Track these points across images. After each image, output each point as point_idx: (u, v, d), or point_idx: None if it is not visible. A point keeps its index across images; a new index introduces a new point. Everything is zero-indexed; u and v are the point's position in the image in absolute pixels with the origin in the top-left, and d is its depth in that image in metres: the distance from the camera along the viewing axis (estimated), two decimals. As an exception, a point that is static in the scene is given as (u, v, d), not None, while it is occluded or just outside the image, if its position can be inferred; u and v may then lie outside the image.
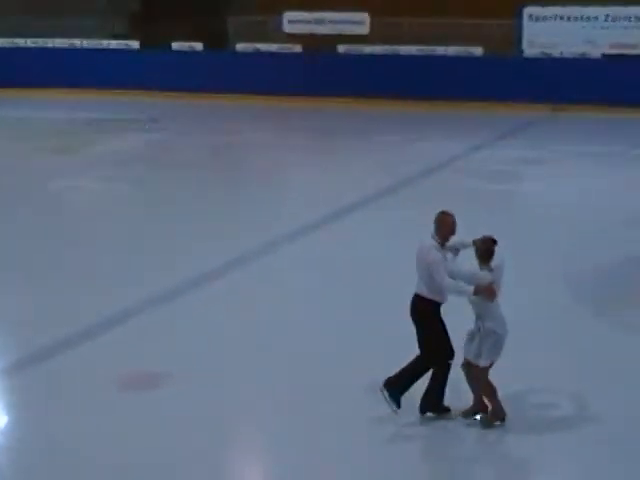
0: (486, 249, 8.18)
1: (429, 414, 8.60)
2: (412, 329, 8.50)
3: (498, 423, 8.42)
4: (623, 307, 11.68)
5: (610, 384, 9.28)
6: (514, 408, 8.61)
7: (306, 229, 15.45)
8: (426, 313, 8.44)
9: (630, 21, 29.48)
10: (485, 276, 8.13)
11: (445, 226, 8.39)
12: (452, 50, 31.62)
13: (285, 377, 9.58)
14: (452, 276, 8.23)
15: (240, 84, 32.03)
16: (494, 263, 8.20)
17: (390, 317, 9.96)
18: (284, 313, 11.38)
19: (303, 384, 9.37)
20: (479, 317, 8.25)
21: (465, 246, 8.49)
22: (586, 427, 8.48)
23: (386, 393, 8.56)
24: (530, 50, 30.77)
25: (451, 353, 8.46)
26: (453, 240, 8.45)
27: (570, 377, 9.44)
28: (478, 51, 31.43)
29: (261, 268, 13.38)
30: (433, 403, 8.57)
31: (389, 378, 8.60)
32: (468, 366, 8.41)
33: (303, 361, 9.89)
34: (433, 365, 8.51)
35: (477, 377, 8.38)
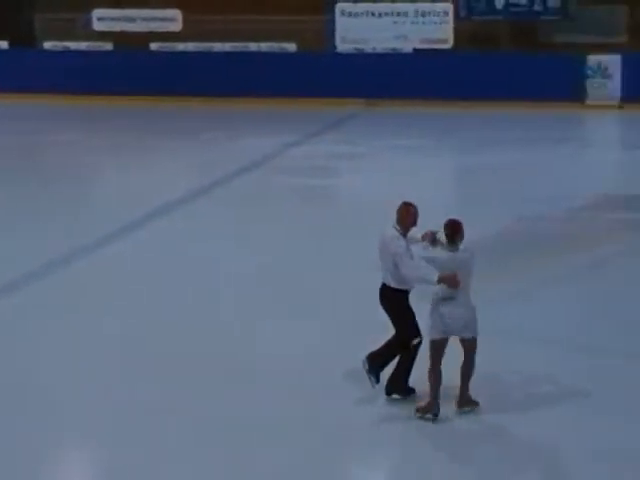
0: (454, 230, 8.16)
1: (395, 396, 8.69)
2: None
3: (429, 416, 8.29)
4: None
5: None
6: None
7: (122, 230, 14.87)
8: (394, 301, 8.56)
9: (439, 16, 30.09)
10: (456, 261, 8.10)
11: (407, 216, 8.48)
12: (265, 47, 31.50)
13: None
14: (429, 262, 8.27)
15: (48, 83, 30.88)
16: (462, 250, 8.19)
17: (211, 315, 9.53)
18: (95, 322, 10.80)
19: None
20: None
21: (415, 241, 8.52)
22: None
23: (367, 366, 8.67)
24: (343, 46, 30.98)
25: (418, 337, 8.51)
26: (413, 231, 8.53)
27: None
28: (292, 47, 31.42)
29: (71, 274, 12.77)
30: (399, 385, 8.69)
31: (371, 352, 8.69)
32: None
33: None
34: (403, 349, 8.60)
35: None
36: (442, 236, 8.33)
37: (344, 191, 19.04)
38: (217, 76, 30.19)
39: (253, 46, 31.51)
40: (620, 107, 28.32)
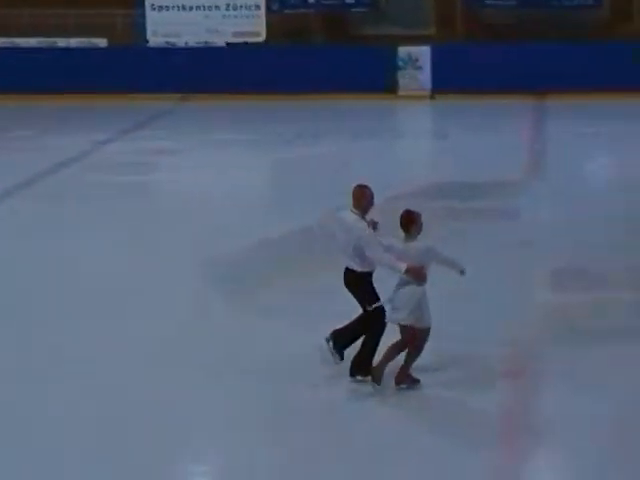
0: (408, 220, 8.27)
1: (359, 377, 8.73)
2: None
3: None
4: (257, 289, 11.57)
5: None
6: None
7: None
8: (359, 283, 8.62)
9: (251, 9, 29.99)
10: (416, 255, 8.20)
11: (364, 198, 8.52)
12: (75, 42, 30.60)
13: None
14: (386, 250, 8.37)
15: None
16: (424, 244, 8.33)
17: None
18: None
19: None
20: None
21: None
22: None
23: (331, 343, 8.75)
24: (154, 40, 30.45)
25: (383, 317, 8.56)
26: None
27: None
28: (102, 42, 30.65)
29: None
30: (362, 367, 8.70)
31: (336, 330, 8.77)
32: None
33: None
34: (367, 329, 8.68)
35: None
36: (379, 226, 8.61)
37: (160, 187, 18.76)
38: (24, 73, 29.09)
39: (62, 41, 30.53)
40: (432, 97, 28.94)
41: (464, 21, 30.88)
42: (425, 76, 29.07)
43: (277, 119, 25.68)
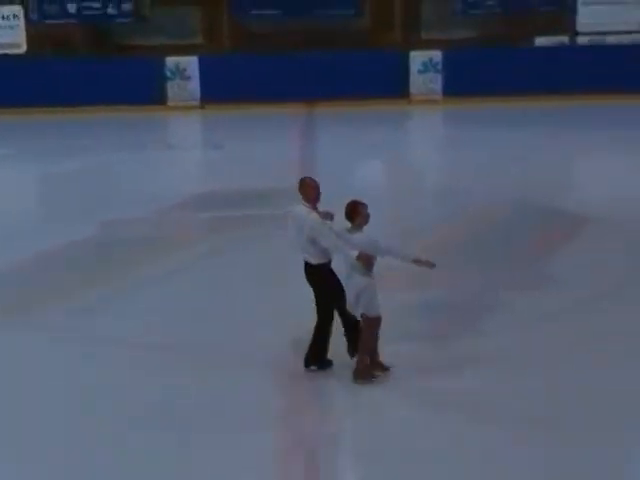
0: (352, 209, 8.45)
1: (313, 367, 8.83)
2: None
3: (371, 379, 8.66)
4: (31, 305, 11.04)
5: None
6: None
7: None
8: (316, 276, 8.67)
9: (9, 20, 28.84)
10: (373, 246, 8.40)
11: (310, 190, 8.65)
12: None
13: None
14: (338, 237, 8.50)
15: None
16: (367, 235, 8.47)
17: None
18: None
19: None
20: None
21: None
22: None
23: (314, 368, 8.85)
24: None
25: (338, 304, 8.69)
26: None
27: None
28: None
29: None
30: (317, 357, 8.83)
31: (307, 356, 8.84)
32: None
33: None
34: (322, 317, 8.72)
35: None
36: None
37: None
38: None
39: None
40: (202, 107, 28.81)
41: (230, 31, 30.93)
42: (194, 86, 28.92)
43: (42, 133, 24.83)
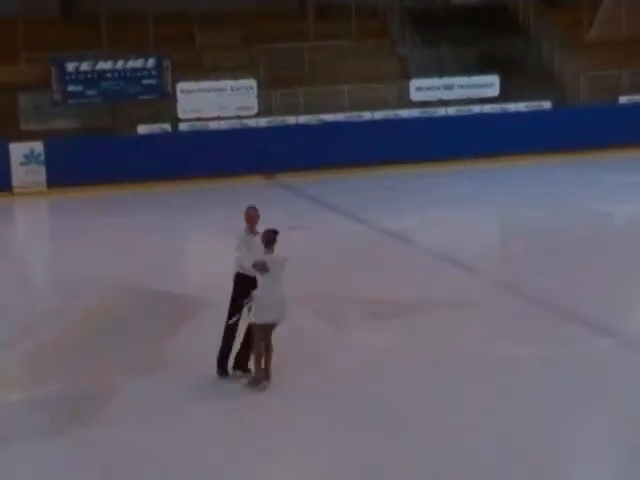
0: (268, 237, 10.46)
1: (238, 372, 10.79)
2: None
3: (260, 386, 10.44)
4: None
5: None
6: None
7: None
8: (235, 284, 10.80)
9: None
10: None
11: (246, 217, 10.75)
12: None
13: None
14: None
15: None
16: (276, 254, 10.45)
17: None
18: None
19: None
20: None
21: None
22: None
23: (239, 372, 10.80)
24: None
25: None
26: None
27: None
28: None
29: None
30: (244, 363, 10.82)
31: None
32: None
33: None
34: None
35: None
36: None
37: None
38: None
39: None
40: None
41: None
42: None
43: None
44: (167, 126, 29.71)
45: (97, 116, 29.85)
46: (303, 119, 30.25)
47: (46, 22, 30.59)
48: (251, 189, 25.71)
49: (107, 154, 27.83)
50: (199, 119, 29.77)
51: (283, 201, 24.19)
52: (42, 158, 27.80)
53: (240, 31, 31.70)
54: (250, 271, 10.35)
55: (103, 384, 11.00)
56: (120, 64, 29.44)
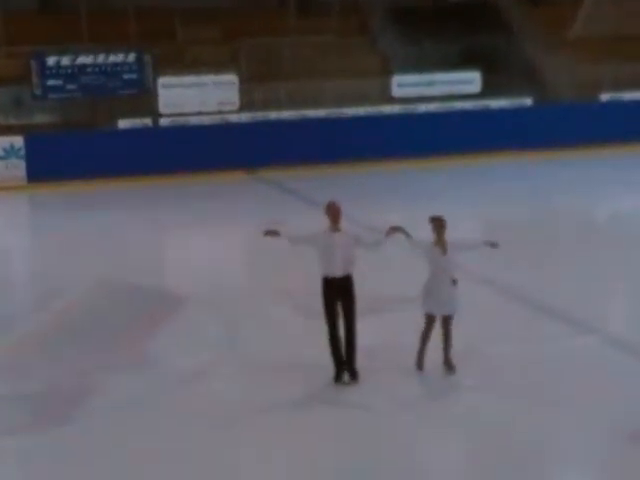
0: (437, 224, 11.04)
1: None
2: None
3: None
4: None
5: None
6: None
7: None
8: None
9: None
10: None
11: (327, 211, 10.60)
12: None
13: None
14: None
15: None
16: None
17: None
18: None
19: None
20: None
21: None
22: None
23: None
24: None
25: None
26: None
27: None
28: None
29: None
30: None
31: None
32: None
33: None
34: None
35: None
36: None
37: None
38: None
39: None
40: None
41: None
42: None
43: None
44: (148, 121, 29.56)
45: (77, 111, 29.65)
46: (285, 114, 30.20)
47: (26, 16, 30.39)
48: (232, 184, 25.64)
49: (87, 149, 27.66)
50: (180, 114, 29.64)
51: (264, 196, 24.12)
52: (22, 153, 27.59)
53: (221, 26, 31.57)
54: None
55: (84, 380, 10.93)
56: (101, 59, 29.24)
